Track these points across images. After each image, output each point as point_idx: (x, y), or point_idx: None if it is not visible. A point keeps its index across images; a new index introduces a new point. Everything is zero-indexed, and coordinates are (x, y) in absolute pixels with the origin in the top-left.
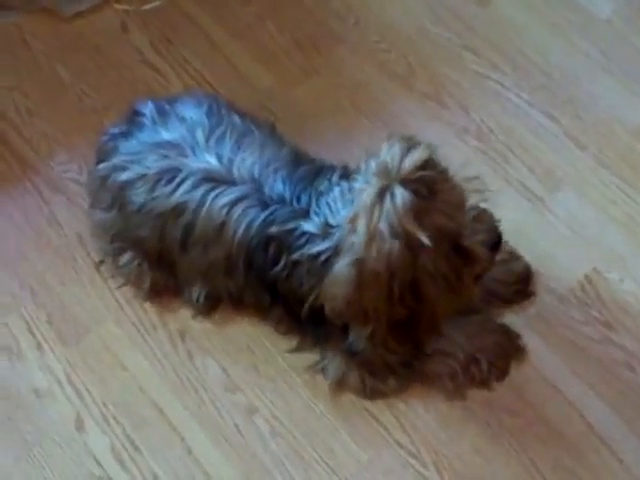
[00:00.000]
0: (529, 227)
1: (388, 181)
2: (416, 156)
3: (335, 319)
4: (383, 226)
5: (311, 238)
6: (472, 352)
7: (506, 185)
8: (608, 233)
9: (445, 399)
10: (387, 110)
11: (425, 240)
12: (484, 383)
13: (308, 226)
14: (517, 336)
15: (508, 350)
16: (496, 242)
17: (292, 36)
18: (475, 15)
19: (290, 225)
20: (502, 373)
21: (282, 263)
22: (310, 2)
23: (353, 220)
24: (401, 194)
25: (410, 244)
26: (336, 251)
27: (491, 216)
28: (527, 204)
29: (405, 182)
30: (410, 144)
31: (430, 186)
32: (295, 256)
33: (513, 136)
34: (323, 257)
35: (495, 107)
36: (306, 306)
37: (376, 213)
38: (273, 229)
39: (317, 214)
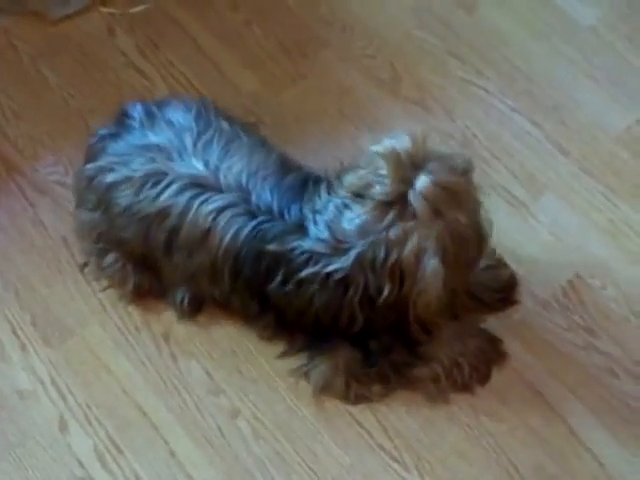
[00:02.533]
0: (512, 232)
1: (418, 169)
2: (417, 135)
3: (430, 319)
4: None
5: (315, 256)
6: (454, 356)
7: (489, 190)
8: (591, 239)
9: (428, 403)
10: (372, 115)
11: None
12: (466, 387)
13: (309, 244)
14: (499, 341)
15: (490, 355)
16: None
17: (278, 41)
18: (461, 21)
19: (290, 244)
20: (484, 377)
21: (279, 279)
22: (297, 7)
23: (429, 215)
24: (438, 167)
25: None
26: (360, 268)
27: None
28: (510, 209)
29: (428, 158)
30: (395, 137)
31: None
32: (303, 274)
33: (497, 142)
34: (339, 275)
35: (479, 113)
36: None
37: (447, 193)
38: (271, 247)
39: (319, 232)
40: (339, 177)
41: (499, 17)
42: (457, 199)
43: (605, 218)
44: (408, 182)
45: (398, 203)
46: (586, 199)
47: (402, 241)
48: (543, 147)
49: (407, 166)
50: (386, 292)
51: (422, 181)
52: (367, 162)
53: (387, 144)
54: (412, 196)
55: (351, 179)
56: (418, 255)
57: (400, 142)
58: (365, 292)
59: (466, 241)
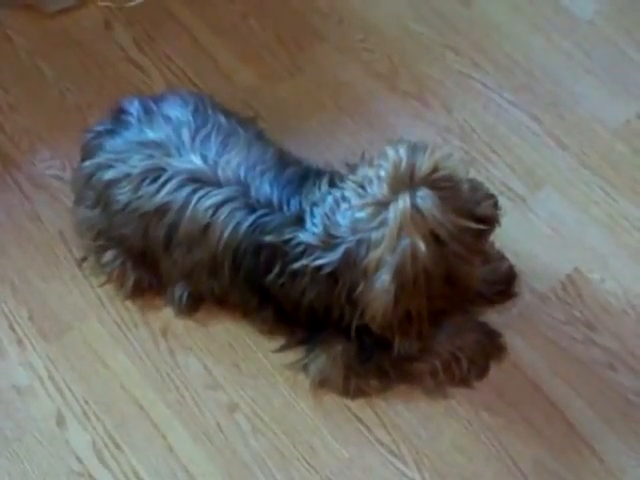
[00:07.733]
0: (511, 227)
1: (410, 187)
2: (435, 157)
3: (380, 331)
4: (439, 230)
5: (309, 249)
6: (453, 350)
7: (488, 184)
8: (589, 233)
9: (426, 397)
10: (370, 109)
11: (481, 226)
12: (464, 381)
13: (305, 237)
14: (498, 335)
15: (488, 349)
16: (496, 200)
17: (275, 34)
18: (458, 15)
19: (286, 235)
20: (482, 372)
21: (276, 271)
22: (294, 0)
23: (397, 234)
24: (430, 196)
25: (438, 239)
26: (347, 263)
27: (478, 181)
28: (509, 204)
29: (427, 183)
30: (414, 147)
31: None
32: (295, 266)
33: (495, 136)
34: (328, 269)
35: (477, 107)
36: (353, 327)
37: (420, 222)
38: (268, 238)
39: (314, 225)
40: (354, 169)
41: (497, 10)
42: (429, 232)
43: (604, 212)
44: (397, 193)
45: (387, 208)
46: (585, 193)
47: (378, 245)
48: (542, 141)
49: (404, 177)
50: (359, 291)
51: (403, 199)
52: (378, 158)
53: (398, 148)
54: (391, 208)
55: (363, 172)
56: (378, 264)
57: (412, 151)
58: (352, 288)
59: (430, 275)
